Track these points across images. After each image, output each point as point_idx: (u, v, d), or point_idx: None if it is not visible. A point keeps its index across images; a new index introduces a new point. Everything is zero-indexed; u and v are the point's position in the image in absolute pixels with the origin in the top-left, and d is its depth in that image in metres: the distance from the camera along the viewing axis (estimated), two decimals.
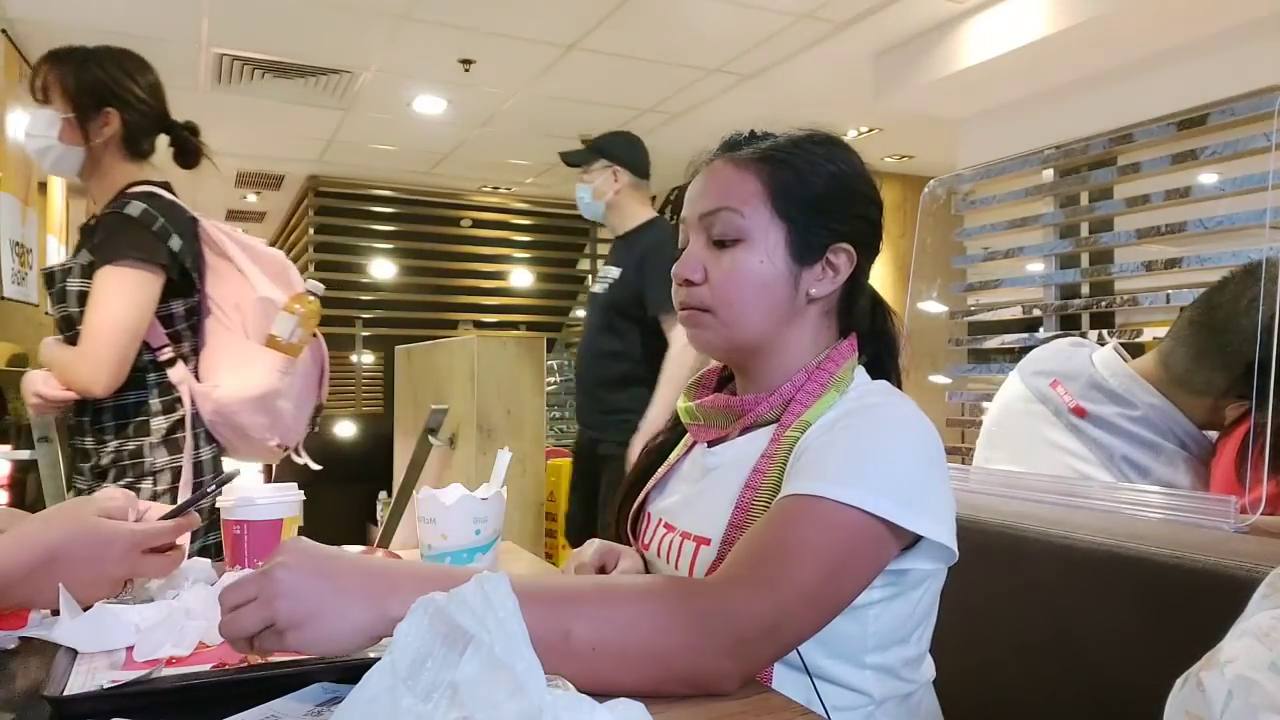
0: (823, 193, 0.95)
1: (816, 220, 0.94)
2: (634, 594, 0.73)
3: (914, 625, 0.90)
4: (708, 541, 0.92)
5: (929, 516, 0.82)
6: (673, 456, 1.08)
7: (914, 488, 0.82)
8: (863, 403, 0.91)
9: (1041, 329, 2.27)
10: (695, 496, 0.98)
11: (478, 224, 6.51)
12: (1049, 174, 2.28)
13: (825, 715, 0.82)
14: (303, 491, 1.07)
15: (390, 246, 6.20)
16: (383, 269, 6.17)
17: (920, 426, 0.87)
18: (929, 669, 0.95)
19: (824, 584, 0.77)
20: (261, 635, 0.66)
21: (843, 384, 0.93)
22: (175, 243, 1.58)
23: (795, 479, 0.84)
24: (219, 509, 1.04)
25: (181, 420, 1.61)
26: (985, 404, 1.93)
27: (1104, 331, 2.05)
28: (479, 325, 6.18)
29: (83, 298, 1.55)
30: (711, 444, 1.00)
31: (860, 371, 0.97)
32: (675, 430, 1.11)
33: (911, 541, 0.84)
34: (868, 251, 0.98)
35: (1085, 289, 2.41)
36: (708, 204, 0.95)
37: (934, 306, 2.06)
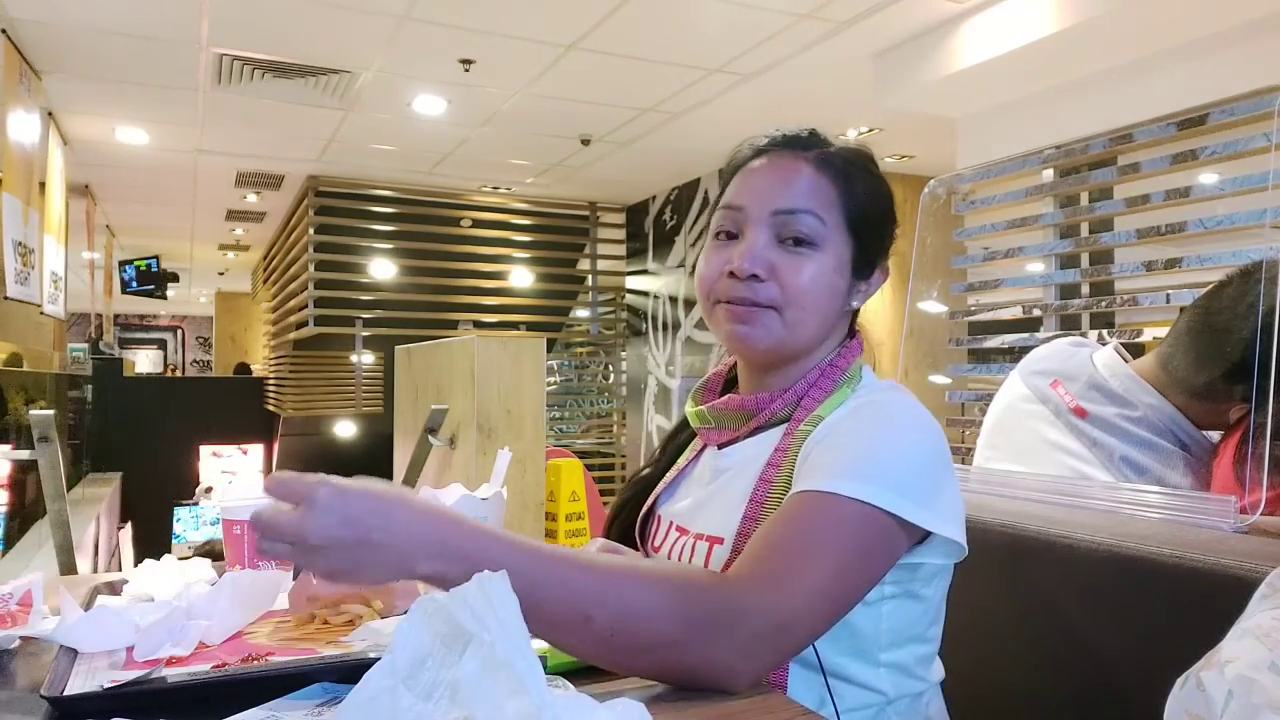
0: (881, 210, 0.98)
1: (874, 237, 0.97)
2: (651, 582, 0.73)
3: (927, 621, 0.91)
4: (721, 540, 0.92)
5: (938, 512, 0.82)
6: (681, 460, 1.08)
7: (924, 484, 0.83)
8: (871, 400, 0.92)
9: (1041, 329, 2.27)
10: (707, 499, 0.99)
11: (478, 224, 6.50)
12: (1049, 174, 2.27)
13: (835, 715, 0.83)
14: None
15: (390, 246, 6.19)
16: (383, 269, 6.16)
17: (928, 424, 0.88)
18: (938, 669, 0.95)
19: (835, 580, 0.77)
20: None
21: (854, 381, 0.95)
22: None
23: (806, 475, 0.84)
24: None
25: None
26: (985, 404, 1.93)
27: (1104, 331, 2.05)
28: (479, 325, 6.17)
29: None
30: (722, 446, 1.01)
31: (867, 369, 0.98)
32: (683, 433, 1.12)
33: (921, 537, 0.85)
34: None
35: (1085, 289, 2.41)
36: (788, 202, 0.93)
37: (934, 306, 2.05)
